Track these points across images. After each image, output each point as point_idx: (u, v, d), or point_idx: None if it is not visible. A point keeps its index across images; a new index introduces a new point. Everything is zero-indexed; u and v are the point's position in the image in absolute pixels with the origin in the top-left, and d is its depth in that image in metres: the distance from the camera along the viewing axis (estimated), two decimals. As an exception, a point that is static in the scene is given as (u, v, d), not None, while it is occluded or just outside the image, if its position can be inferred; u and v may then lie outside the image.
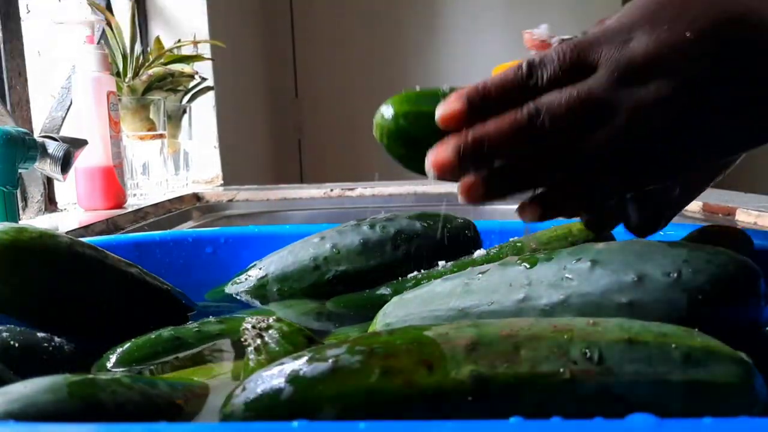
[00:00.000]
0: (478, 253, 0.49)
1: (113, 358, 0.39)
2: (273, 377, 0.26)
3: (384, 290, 0.48)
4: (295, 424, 0.22)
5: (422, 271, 0.48)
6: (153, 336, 0.40)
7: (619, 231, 0.51)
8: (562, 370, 0.26)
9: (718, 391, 0.26)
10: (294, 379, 0.26)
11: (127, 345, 0.39)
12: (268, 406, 0.26)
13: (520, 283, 0.35)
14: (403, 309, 0.38)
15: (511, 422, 0.23)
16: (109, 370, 0.38)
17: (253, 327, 0.34)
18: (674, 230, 0.54)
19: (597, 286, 0.34)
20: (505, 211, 1.20)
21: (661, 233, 0.53)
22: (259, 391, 0.26)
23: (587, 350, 0.27)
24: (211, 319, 0.43)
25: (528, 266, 0.36)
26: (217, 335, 0.42)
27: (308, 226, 0.58)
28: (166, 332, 0.41)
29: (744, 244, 0.44)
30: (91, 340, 0.42)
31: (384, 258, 0.50)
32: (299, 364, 0.26)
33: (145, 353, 0.39)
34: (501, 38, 2.58)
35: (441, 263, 0.48)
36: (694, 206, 0.95)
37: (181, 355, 0.40)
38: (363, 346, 0.27)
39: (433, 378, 0.26)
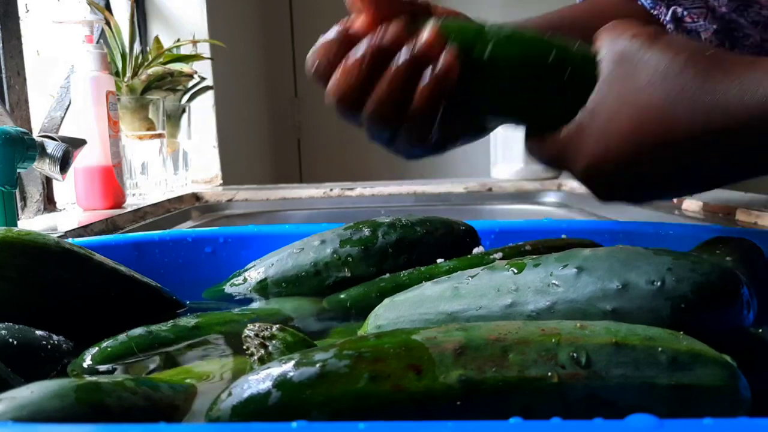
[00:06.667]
0: (477, 250, 0.49)
1: (88, 358, 0.39)
2: (259, 382, 0.26)
3: (383, 284, 0.48)
4: (294, 424, 0.22)
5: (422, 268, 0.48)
6: (125, 335, 0.41)
7: (614, 228, 0.51)
8: (550, 374, 0.26)
9: (704, 394, 0.27)
10: (281, 384, 0.26)
11: (102, 344, 0.40)
12: (254, 412, 0.25)
13: (508, 288, 0.35)
14: (394, 311, 0.38)
15: (511, 422, 0.23)
16: (85, 369, 0.39)
17: (256, 335, 0.33)
18: (674, 230, 0.54)
19: (582, 294, 0.34)
20: (505, 211, 1.20)
21: (660, 232, 0.53)
22: (245, 395, 0.26)
23: (575, 354, 0.27)
24: (188, 315, 0.44)
25: (516, 271, 0.36)
26: (193, 328, 0.42)
27: (308, 226, 0.58)
28: (138, 329, 0.42)
29: (754, 256, 0.43)
30: (86, 337, 0.43)
31: (385, 265, 0.50)
32: (286, 368, 0.26)
33: (120, 351, 0.40)
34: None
35: (440, 261, 0.48)
36: (695, 206, 0.95)
37: (159, 351, 0.40)
38: (351, 351, 0.27)
39: (422, 382, 0.26)
